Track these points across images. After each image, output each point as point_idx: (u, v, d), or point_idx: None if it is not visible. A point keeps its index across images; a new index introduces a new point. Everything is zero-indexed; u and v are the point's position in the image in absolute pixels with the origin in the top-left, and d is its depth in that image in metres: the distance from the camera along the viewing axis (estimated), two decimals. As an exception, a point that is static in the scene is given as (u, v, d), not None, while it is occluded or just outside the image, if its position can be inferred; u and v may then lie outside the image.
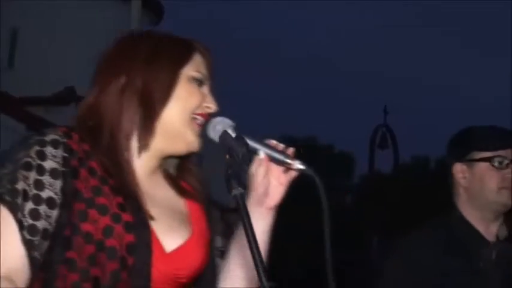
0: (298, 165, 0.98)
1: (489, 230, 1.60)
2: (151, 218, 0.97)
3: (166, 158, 1.05)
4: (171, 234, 0.99)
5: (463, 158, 1.60)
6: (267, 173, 1.01)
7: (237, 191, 0.85)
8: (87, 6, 12.55)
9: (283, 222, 1.11)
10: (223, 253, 1.08)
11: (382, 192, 13.49)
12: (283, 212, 1.07)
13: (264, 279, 0.79)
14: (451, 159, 1.64)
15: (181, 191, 1.07)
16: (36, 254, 0.90)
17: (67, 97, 10.51)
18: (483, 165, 1.58)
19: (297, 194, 1.14)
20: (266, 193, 1.01)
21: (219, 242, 1.14)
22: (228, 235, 1.09)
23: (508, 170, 1.57)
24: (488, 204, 1.58)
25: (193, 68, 1.02)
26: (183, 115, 1.01)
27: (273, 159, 0.99)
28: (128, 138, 0.99)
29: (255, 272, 0.83)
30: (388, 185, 13.68)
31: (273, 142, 1.01)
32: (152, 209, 0.98)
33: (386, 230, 12.53)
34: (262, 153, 0.99)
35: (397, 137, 13.18)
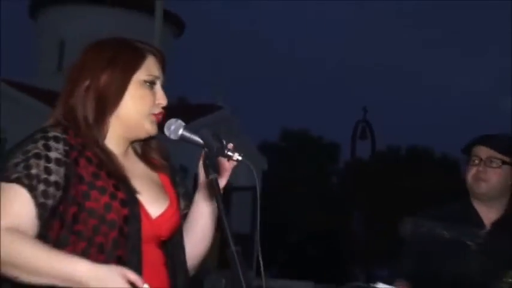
0: (237, 156, 1.15)
1: (488, 215, 1.80)
2: (138, 193, 1.14)
3: (132, 142, 1.21)
4: (155, 204, 1.18)
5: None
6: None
7: (213, 175, 1.06)
8: (118, 17, 15.34)
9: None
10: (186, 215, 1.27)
11: (363, 175, 16.31)
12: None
13: (232, 243, 0.99)
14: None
15: (153, 166, 1.24)
16: (41, 213, 1.06)
17: None
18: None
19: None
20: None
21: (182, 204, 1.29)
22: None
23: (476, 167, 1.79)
24: (470, 193, 1.83)
25: (145, 72, 1.17)
26: (139, 113, 1.16)
27: (224, 155, 1.18)
28: (98, 129, 1.14)
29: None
30: (367, 170, 16.50)
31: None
32: (136, 184, 1.15)
33: (365, 206, 15.34)
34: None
35: (375, 130, 15.95)
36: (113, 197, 1.11)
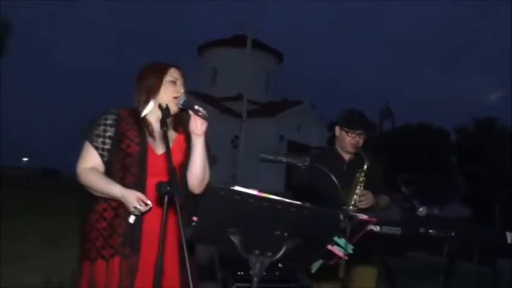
0: (204, 114, 1.95)
1: (346, 157, 3.00)
2: (153, 137, 2.05)
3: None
4: (160, 146, 2.04)
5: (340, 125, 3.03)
6: (194, 118, 2.01)
7: (165, 128, 1.85)
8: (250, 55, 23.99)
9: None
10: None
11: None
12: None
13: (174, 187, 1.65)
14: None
15: (174, 129, 2.12)
16: (105, 160, 2.00)
17: (237, 97, 24.44)
18: (343, 132, 3.00)
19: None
20: (195, 128, 2.03)
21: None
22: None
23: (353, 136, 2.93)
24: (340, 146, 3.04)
25: (170, 76, 2.10)
26: (167, 97, 2.07)
27: (195, 113, 1.99)
28: (142, 107, 2.08)
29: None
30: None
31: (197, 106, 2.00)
32: (153, 135, 2.06)
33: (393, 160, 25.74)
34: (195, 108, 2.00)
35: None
36: (132, 140, 2.01)
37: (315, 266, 1.79)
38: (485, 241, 2.13)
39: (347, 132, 2.98)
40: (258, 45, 26.78)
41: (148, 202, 1.90)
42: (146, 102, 2.09)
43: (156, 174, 1.96)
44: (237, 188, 1.47)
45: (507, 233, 2.17)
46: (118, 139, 2.02)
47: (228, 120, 23.28)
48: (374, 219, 1.63)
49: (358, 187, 2.78)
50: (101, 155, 2.02)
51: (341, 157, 3.03)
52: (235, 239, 1.60)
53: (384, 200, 2.95)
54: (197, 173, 2.10)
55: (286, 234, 1.62)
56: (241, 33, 23.64)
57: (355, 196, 2.75)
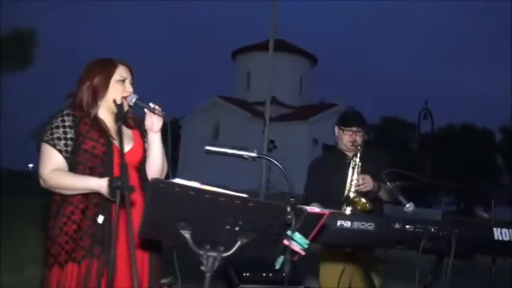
0: (160, 111, 2.03)
1: (348, 154, 3.07)
2: (113, 139, 2.04)
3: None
4: (125, 144, 1.90)
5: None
6: (150, 116, 2.08)
7: (120, 123, 1.89)
8: (279, 58, 24.52)
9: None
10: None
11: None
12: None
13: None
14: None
15: (129, 126, 2.14)
16: (68, 160, 1.98)
17: (271, 101, 24.49)
18: (340, 131, 3.10)
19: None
20: (152, 125, 2.09)
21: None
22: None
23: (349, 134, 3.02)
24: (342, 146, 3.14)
25: (118, 75, 2.06)
26: (116, 97, 2.04)
27: (151, 111, 2.06)
28: (90, 107, 2.07)
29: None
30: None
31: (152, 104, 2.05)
32: (114, 135, 2.05)
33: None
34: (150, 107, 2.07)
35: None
36: (97, 141, 2.01)
37: (278, 262, 1.75)
38: (467, 237, 2.01)
39: (343, 130, 3.11)
40: (290, 48, 26.93)
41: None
42: (93, 102, 2.07)
43: (119, 172, 1.92)
44: (176, 180, 1.45)
45: (494, 229, 2.05)
46: (80, 140, 2.01)
47: (261, 125, 23.27)
48: (327, 212, 1.57)
49: (355, 172, 2.90)
50: (66, 158, 2.00)
51: (344, 154, 3.13)
52: (185, 234, 1.57)
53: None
54: (158, 167, 2.14)
55: (237, 228, 1.58)
56: (274, 38, 23.78)
57: (354, 181, 2.88)
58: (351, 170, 2.93)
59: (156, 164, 2.14)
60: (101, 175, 1.95)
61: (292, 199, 1.47)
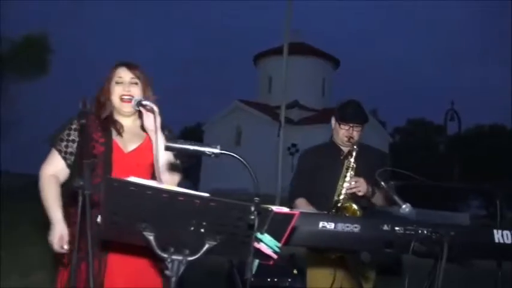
0: (154, 107, 1.89)
1: (344, 149, 2.86)
2: (120, 135, 2.09)
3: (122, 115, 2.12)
4: (128, 144, 2.07)
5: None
6: (147, 115, 2.01)
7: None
8: (300, 61, 25.60)
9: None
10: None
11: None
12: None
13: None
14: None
15: (142, 128, 2.11)
16: (69, 163, 2.03)
17: (293, 104, 24.43)
18: (337, 124, 2.87)
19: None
20: (149, 124, 2.00)
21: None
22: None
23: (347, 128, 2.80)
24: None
25: (116, 76, 2.10)
26: (116, 99, 2.09)
27: (145, 107, 1.99)
28: (102, 110, 2.13)
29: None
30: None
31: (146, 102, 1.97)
32: (124, 133, 2.09)
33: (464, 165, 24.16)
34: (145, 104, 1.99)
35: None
36: (97, 141, 2.04)
37: (254, 267, 1.64)
38: (465, 240, 1.85)
39: (340, 124, 2.86)
40: (311, 51, 26.94)
41: (65, 247, 1.93)
42: (101, 105, 2.16)
43: (123, 173, 1.92)
44: (131, 178, 1.36)
45: (494, 231, 1.89)
46: (84, 142, 2.04)
47: (284, 129, 23.23)
48: (297, 212, 1.45)
49: (348, 174, 2.68)
50: (64, 158, 2.07)
51: (339, 149, 2.91)
52: (148, 236, 1.48)
53: (380, 198, 2.74)
54: (162, 168, 2.05)
55: (202, 230, 1.48)
56: (296, 41, 23.97)
57: (346, 184, 2.66)
58: (344, 170, 2.71)
59: (160, 166, 2.00)
60: (99, 176, 1.95)
61: (256, 198, 1.35)
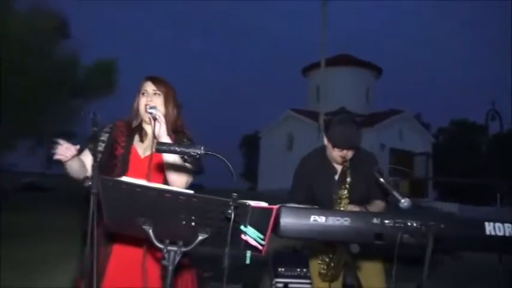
0: (155, 112, 2.15)
1: (337, 166, 2.84)
2: (142, 141, 2.35)
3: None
4: (147, 150, 2.29)
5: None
6: (154, 122, 2.16)
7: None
8: (346, 71, 26.80)
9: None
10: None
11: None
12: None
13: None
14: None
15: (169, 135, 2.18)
16: (97, 160, 1.99)
17: (340, 111, 24.20)
18: (330, 144, 2.78)
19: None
20: (156, 130, 2.15)
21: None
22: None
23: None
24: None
25: (142, 89, 2.33)
26: (142, 109, 2.30)
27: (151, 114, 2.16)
28: (134, 118, 2.39)
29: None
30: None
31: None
32: (146, 140, 2.34)
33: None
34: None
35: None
36: (119, 144, 2.29)
37: (247, 258, 1.78)
38: (455, 233, 1.91)
39: (333, 146, 2.79)
40: (354, 62, 27.87)
41: (60, 141, 2.06)
42: (137, 114, 2.40)
43: (137, 175, 2.10)
44: (123, 178, 1.54)
45: (485, 224, 1.93)
46: (110, 144, 2.30)
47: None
48: (274, 207, 1.58)
49: (342, 204, 2.68)
50: (93, 155, 2.17)
51: (332, 167, 2.88)
52: (147, 229, 1.66)
53: (377, 206, 2.79)
54: (169, 170, 2.20)
55: (193, 224, 1.64)
56: (342, 53, 26.07)
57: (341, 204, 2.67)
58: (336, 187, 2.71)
59: (166, 171, 2.22)
60: (117, 175, 2.14)
61: (234, 194, 1.50)
